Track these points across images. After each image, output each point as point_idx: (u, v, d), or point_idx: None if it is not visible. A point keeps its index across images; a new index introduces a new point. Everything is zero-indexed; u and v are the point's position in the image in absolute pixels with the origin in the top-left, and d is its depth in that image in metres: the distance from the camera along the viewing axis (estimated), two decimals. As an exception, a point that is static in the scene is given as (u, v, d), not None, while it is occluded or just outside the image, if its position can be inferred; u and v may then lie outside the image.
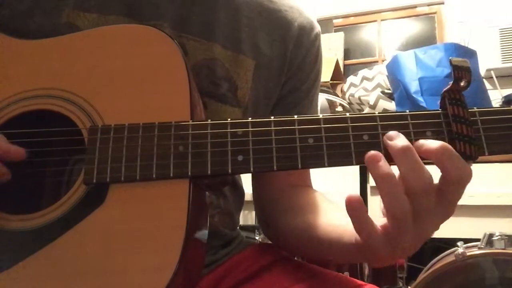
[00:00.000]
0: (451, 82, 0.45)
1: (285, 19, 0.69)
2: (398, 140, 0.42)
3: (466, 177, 0.42)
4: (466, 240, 1.39)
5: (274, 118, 0.46)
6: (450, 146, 0.42)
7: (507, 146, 0.44)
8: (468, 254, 1.29)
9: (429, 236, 0.44)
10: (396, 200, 0.41)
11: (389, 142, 0.43)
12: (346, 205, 0.42)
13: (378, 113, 0.45)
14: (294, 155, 0.45)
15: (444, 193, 0.42)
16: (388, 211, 0.42)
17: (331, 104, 2.44)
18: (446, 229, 2.10)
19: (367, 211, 0.43)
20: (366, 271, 1.41)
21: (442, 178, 0.42)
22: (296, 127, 0.45)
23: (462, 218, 1.78)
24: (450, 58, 0.44)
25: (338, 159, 0.44)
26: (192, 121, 0.47)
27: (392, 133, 0.43)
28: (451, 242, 1.61)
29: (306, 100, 0.72)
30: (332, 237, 0.54)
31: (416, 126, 0.44)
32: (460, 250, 1.30)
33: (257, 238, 1.69)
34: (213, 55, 0.63)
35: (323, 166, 0.44)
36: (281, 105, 0.70)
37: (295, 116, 0.46)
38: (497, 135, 0.44)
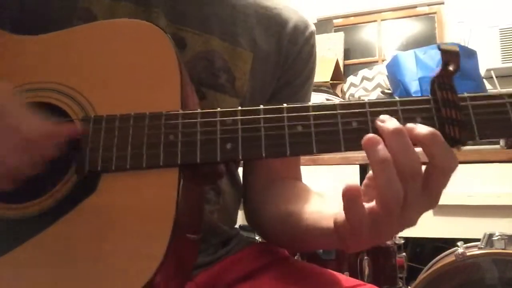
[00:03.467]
0: (439, 67, 0.45)
1: (281, 16, 0.71)
2: (390, 122, 0.42)
3: (452, 166, 0.42)
4: (466, 240, 1.39)
5: (263, 106, 0.46)
6: (439, 133, 0.42)
7: (497, 131, 0.44)
8: (468, 254, 1.29)
9: (412, 224, 0.44)
10: (392, 187, 0.41)
11: (380, 124, 0.43)
12: (343, 194, 0.42)
13: (368, 99, 0.45)
14: (283, 142, 0.45)
15: (429, 180, 0.42)
16: (382, 197, 0.41)
17: (331, 104, 2.43)
18: (446, 229, 2.10)
19: (362, 201, 0.42)
20: (366, 271, 1.41)
21: (428, 165, 0.42)
22: (285, 114, 0.45)
23: (462, 218, 1.78)
24: (437, 44, 0.45)
25: (327, 145, 0.44)
26: (182, 111, 0.47)
27: (383, 116, 0.43)
28: (451, 242, 1.61)
29: (299, 94, 0.73)
30: (309, 223, 0.55)
31: (405, 112, 0.44)
32: (460, 250, 1.30)
33: (257, 238, 1.69)
34: (212, 47, 0.64)
35: (311, 153, 0.44)
36: (275, 99, 0.71)
37: (284, 104, 0.46)
38: (488, 119, 0.44)
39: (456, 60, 0.44)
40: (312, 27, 0.75)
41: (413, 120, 0.44)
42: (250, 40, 0.68)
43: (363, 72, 2.55)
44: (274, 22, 0.70)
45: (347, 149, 0.44)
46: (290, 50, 0.71)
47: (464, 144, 0.43)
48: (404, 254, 1.55)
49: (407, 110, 0.44)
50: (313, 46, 0.75)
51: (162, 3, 0.61)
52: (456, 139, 0.43)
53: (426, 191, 0.42)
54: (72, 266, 0.43)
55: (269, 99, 0.71)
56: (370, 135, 0.41)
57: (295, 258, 1.27)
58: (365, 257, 1.41)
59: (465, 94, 0.45)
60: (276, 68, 0.70)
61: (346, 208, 0.42)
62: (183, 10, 0.63)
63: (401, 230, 0.45)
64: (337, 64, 2.81)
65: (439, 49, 0.44)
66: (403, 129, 0.42)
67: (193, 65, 0.53)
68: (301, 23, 0.73)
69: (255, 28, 0.69)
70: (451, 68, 0.44)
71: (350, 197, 0.42)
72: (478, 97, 0.45)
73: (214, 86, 0.64)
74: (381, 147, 0.41)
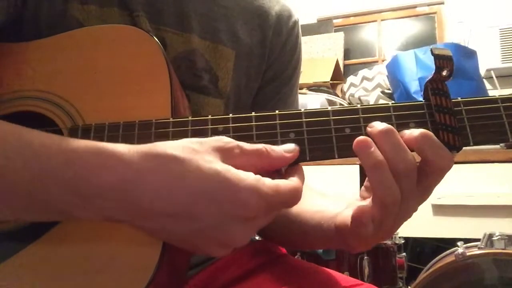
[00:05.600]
0: (433, 72, 0.44)
1: (263, 7, 0.70)
2: (378, 124, 0.42)
3: (446, 165, 0.42)
4: (466, 240, 1.39)
5: (255, 113, 0.45)
6: (431, 134, 0.42)
7: (492, 136, 0.43)
8: (468, 254, 1.29)
9: (408, 218, 0.44)
10: (388, 188, 0.41)
11: (369, 129, 0.43)
12: (355, 147, 0.42)
13: (360, 105, 0.45)
14: None
15: (424, 178, 0.42)
16: (378, 198, 0.41)
17: (331, 104, 2.44)
18: (446, 229, 2.09)
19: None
20: (366, 271, 1.41)
21: (422, 164, 0.42)
22: (277, 121, 0.45)
23: (462, 218, 1.78)
24: (431, 47, 0.44)
25: (320, 153, 0.44)
26: (172, 119, 0.46)
27: (373, 122, 0.43)
28: (451, 242, 1.61)
29: (287, 87, 0.72)
30: (312, 223, 0.55)
31: (399, 118, 0.44)
32: (460, 250, 1.30)
33: (257, 238, 1.69)
34: (192, 46, 0.62)
35: (304, 160, 0.43)
36: (262, 93, 0.70)
37: (276, 111, 0.45)
38: (482, 124, 0.43)
39: (449, 64, 0.43)
40: (296, 16, 0.73)
41: (407, 125, 0.44)
42: (232, 35, 0.66)
43: (363, 72, 2.55)
44: (256, 14, 0.69)
45: (341, 156, 0.43)
46: (274, 41, 0.69)
47: (459, 150, 0.43)
48: (404, 254, 1.55)
49: (401, 115, 0.44)
50: (297, 36, 0.74)
51: (142, 4, 0.59)
52: (450, 145, 0.42)
53: (420, 187, 0.43)
54: (63, 279, 0.42)
55: (256, 94, 0.70)
56: (361, 137, 0.41)
57: (296, 257, 1.27)
58: (365, 257, 1.41)
59: (459, 99, 0.44)
60: (261, 62, 0.69)
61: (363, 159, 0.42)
62: (161, 9, 0.61)
63: (399, 226, 0.45)
64: (337, 64, 2.80)
65: (432, 53, 0.43)
66: (392, 129, 0.41)
67: (175, 66, 0.52)
68: (284, 12, 0.72)
69: (237, 22, 0.67)
70: (444, 73, 0.44)
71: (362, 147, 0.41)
72: (471, 101, 0.44)
73: (197, 88, 0.62)
74: (373, 149, 0.41)
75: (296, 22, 0.73)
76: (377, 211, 0.42)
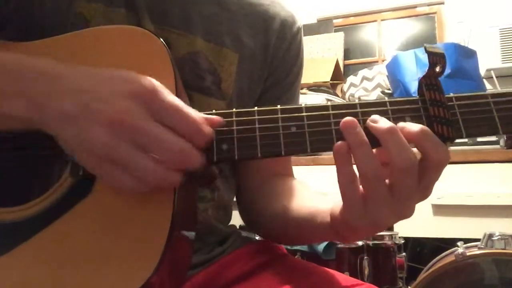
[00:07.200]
0: (427, 69, 0.46)
1: (267, 12, 0.70)
2: (382, 121, 0.44)
3: (444, 160, 0.43)
4: (466, 240, 1.39)
5: (257, 108, 0.47)
6: (430, 130, 0.43)
7: (483, 129, 0.46)
8: (468, 254, 1.29)
9: (407, 215, 0.45)
10: (370, 164, 0.42)
11: (373, 124, 0.44)
12: (334, 153, 0.44)
13: (358, 100, 0.47)
14: (277, 142, 0.46)
15: (423, 174, 0.44)
16: (362, 174, 0.43)
17: (331, 104, 2.43)
18: (446, 229, 2.09)
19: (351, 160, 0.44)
20: (366, 271, 1.41)
21: (421, 160, 0.44)
22: (279, 115, 0.46)
23: (462, 218, 1.78)
24: (424, 45, 0.46)
25: (320, 145, 0.46)
26: None
27: (375, 116, 0.45)
28: (451, 242, 1.61)
29: (289, 92, 0.73)
30: (306, 217, 0.56)
31: (395, 112, 0.46)
32: (460, 250, 1.30)
33: (257, 238, 1.69)
34: (196, 48, 0.63)
35: (305, 152, 0.46)
36: (264, 98, 0.71)
37: (278, 106, 0.47)
38: (474, 118, 0.46)
39: (442, 61, 0.46)
40: (299, 22, 0.74)
41: (402, 119, 0.46)
42: (235, 39, 0.67)
43: (363, 72, 2.55)
44: (261, 19, 0.69)
45: None
46: (278, 47, 0.70)
47: (453, 141, 0.45)
48: (404, 254, 1.55)
49: (397, 110, 0.46)
50: (300, 42, 0.74)
51: (147, 5, 0.60)
52: (445, 136, 0.44)
53: (421, 184, 0.44)
54: (68, 267, 0.43)
55: (258, 99, 0.70)
56: (348, 118, 0.43)
57: (296, 257, 1.27)
58: (365, 257, 1.41)
59: (451, 94, 0.46)
60: (263, 66, 0.69)
61: (337, 167, 0.44)
62: (166, 10, 0.62)
63: (397, 220, 0.46)
64: (337, 64, 2.81)
65: (426, 51, 0.46)
66: (396, 128, 0.43)
67: (178, 67, 0.53)
68: (288, 18, 0.72)
69: (241, 26, 0.68)
70: (437, 69, 0.46)
71: (338, 154, 0.43)
72: (463, 97, 0.46)
73: (200, 89, 0.63)
74: (359, 130, 0.43)
75: (299, 29, 0.74)
76: (364, 191, 0.44)
